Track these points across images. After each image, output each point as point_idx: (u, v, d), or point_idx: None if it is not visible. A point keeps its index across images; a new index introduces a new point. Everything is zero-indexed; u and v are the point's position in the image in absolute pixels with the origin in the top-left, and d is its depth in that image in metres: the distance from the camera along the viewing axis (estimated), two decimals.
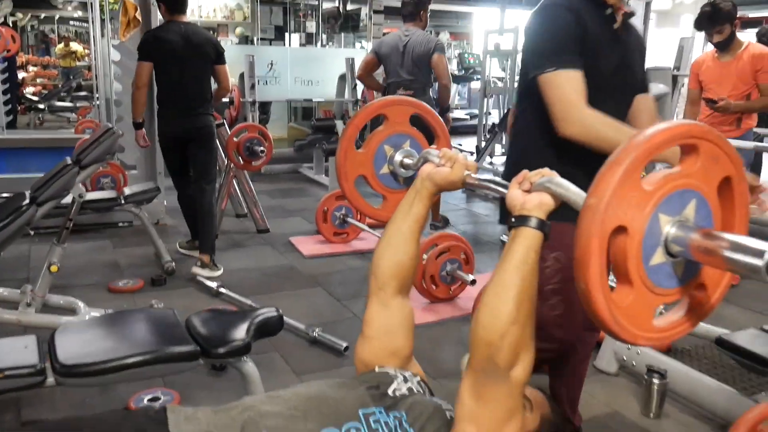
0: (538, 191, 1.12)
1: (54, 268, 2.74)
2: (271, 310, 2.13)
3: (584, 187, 0.93)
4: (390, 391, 1.28)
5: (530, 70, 1.67)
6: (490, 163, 8.14)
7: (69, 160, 2.71)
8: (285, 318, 3.07)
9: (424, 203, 1.38)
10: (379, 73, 4.73)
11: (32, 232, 2.78)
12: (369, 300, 1.44)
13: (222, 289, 3.51)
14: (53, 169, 2.70)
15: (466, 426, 1.10)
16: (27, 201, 2.58)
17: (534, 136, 1.73)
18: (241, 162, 4.48)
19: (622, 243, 0.83)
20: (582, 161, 1.45)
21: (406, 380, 1.33)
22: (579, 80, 1.58)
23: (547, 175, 1.12)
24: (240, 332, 1.96)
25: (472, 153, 8.50)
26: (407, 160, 1.63)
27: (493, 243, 4.72)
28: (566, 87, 1.57)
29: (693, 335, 2.64)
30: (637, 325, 0.87)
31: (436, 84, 4.61)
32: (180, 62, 3.67)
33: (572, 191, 1.05)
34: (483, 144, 7.11)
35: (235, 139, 4.43)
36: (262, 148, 4.36)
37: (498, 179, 1.27)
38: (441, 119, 1.76)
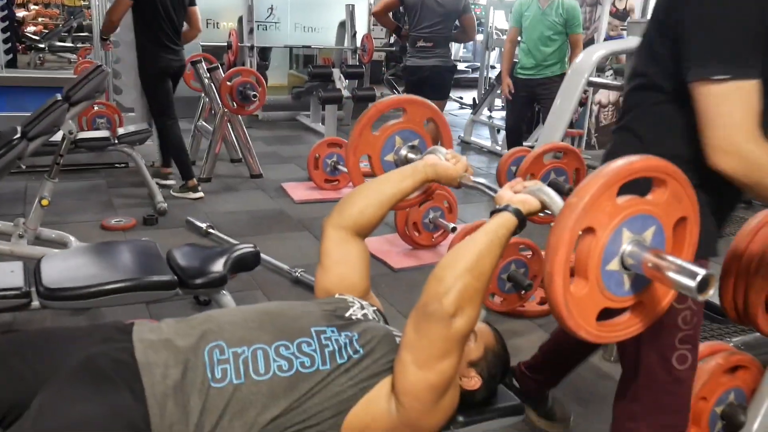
0: (526, 194, 1.25)
1: (45, 202, 2.84)
2: (248, 246, 2.23)
3: (710, 223, 1.11)
4: (346, 315, 1.38)
5: (686, 65, 1.20)
6: (489, 117, 8.15)
7: (59, 97, 2.77)
8: (270, 258, 3.23)
9: (415, 184, 1.49)
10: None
11: (24, 167, 2.86)
12: (326, 231, 1.53)
13: (211, 230, 3.62)
14: (43, 106, 2.77)
15: (404, 353, 1.19)
16: (18, 135, 2.66)
17: (659, 142, 1.31)
18: (234, 106, 4.53)
19: (588, 242, 0.95)
20: (717, 192, 1.27)
21: (362, 308, 1.44)
22: (755, 96, 1.14)
23: (538, 183, 1.26)
24: (217, 265, 2.07)
25: (470, 105, 8.51)
26: (411, 155, 1.75)
27: (479, 195, 4.79)
28: (737, 106, 1.14)
29: None
30: (582, 317, 0.98)
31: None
32: (165, 3, 4.00)
33: (555, 200, 1.20)
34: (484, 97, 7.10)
35: (228, 82, 4.47)
36: (254, 93, 4.40)
37: (489, 184, 1.41)
38: (449, 129, 1.86)
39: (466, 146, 6.55)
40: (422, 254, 3.50)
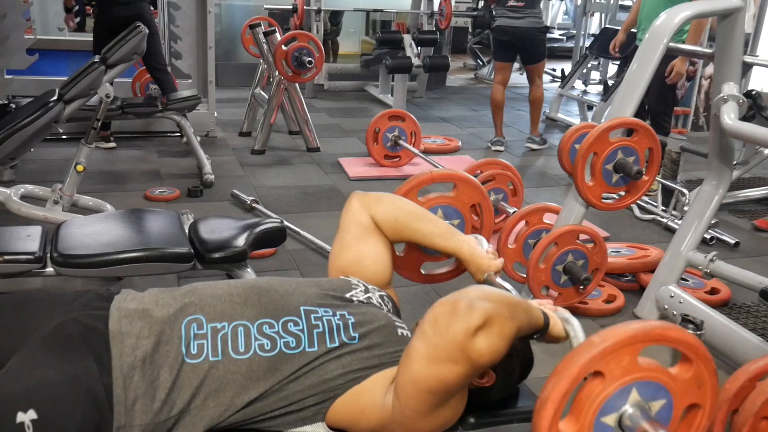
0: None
1: (80, 168, 3.00)
2: (275, 221, 2.27)
3: None
4: (346, 295, 1.38)
5: None
6: (584, 92, 7.89)
7: (97, 59, 2.91)
8: (312, 237, 3.27)
9: (447, 247, 1.53)
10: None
11: (61, 130, 3.02)
12: (352, 205, 1.56)
13: (256, 204, 3.71)
14: (80, 68, 2.91)
15: (417, 343, 1.11)
16: (54, 98, 2.81)
17: None
18: (290, 73, 4.60)
19: (594, 385, 0.98)
20: None
21: (366, 290, 1.43)
22: None
23: (567, 313, 1.28)
24: (239, 240, 2.12)
25: (559, 77, 8.26)
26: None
27: (556, 177, 4.66)
28: None
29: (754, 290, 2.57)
30: None
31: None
32: None
33: (579, 335, 1.25)
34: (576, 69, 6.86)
35: (284, 48, 4.53)
36: (310, 60, 4.44)
37: (515, 291, 1.42)
38: (493, 220, 1.89)
39: (552, 123, 6.37)
40: None
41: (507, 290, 1.41)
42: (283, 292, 1.32)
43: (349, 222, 1.55)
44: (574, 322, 1.26)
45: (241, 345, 1.21)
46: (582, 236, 2.53)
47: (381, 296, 1.46)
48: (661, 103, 4.24)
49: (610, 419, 0.99)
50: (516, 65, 5.98)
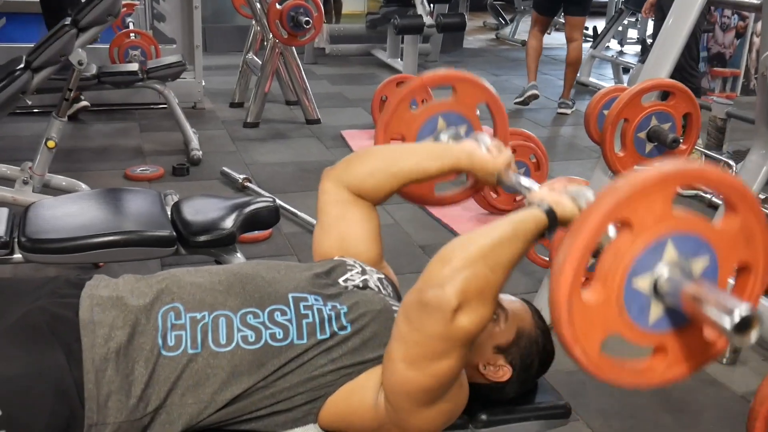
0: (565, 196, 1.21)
1: (51, 144, 3.02)
2: (267, 200, 2.28)
3: None
4: (341, 280, 1.39)
5: None
6: (620, 52, 7.83)
7: (68, 21, 2.91)
8: (310, 218, 3.28)
9: (442, 168, 1.46)
10: None
11: (29, 102, 3.04)
12: (324, 185, 1.54)
13: (248, 183, 3.73)
14: (50, 32, 2.92)
15: (395, 344, 1.16)
16: (22, 65, 2.82)
17: None
18: (285, 35, 4.59)
19: (621, 240, 0.90)
20: None
21: (364, 272, 1.44)
22: None
23: (584, 188, 1.22)
24: (227, 221, 2.13)
25: (590, 38, 8.18)
26: (453, 142, 1.70)
27: (586, 149, 4.64)
28: None
29: None
30: (584, 332, 0.91)
31: None
32: None
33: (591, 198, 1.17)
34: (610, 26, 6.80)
35: (277, 6, 4.52)
36: (308, 19, 4.43)
37: (529, 181, 1.36)
38: (506, 116, 1.81)
39: (582, 88, 6.33)
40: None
41: (525, 187, 1.34)
42: (270, 278, 1.33)
43: (326, 203, 1.53)
44: (588, 192, 1.20)
45: (222, 336, 1.22)
46: None
47: (380, 279, 1.46)
48: (684, 53, 4.22)
49: (644, 282, 0.92)
50: None
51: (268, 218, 2.24)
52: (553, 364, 1.49)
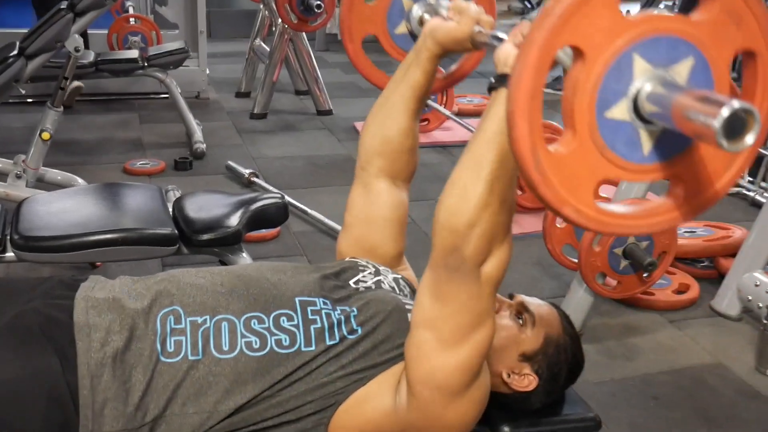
0: None
1: (46, 136, 3.04)
2: (275, 196, 2.29)
3: None
4: (352, 282, 1.39)
5: None
6: None
7: (64, 5, 2.93)
8: (322, 217, 3.29)
9: (424, 67, 1.41)
10: None
11: (23, 91, 3.06)
12: (354, 181, 1.56)
13: (255, 178, 3.74)
14: (45, 16, 2.93)
15: (422, 332, 1.18)
16: (15, 52, 2.84)
17: None
18: (295, 20, 4.59)
19: (575, 73, 0.84)
20: None
21: (377, 273, 1.44)
22: None
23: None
24: (232, 218, 2.14)
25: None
26: (427, 16, 1.60)
27: None
28: None
29: None
30: (567, 186, 0.85)
31: None
32: None
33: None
34: None
35: None
36: (319, 3, 4.42)
37: (501, 34, 1.25)
38: None
39: None
40: (524, 220, 3.44)
41: (499, 38, 1.23)
42: (276, 281, 1.33)
43: (350, 198, 1.55)
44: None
45: (225, 342, 1.23)
46: None
47: (395, 279, 1.46)
48: None
49: (619, 111, 0.85)
50: None
51: (276, 216, 2.25)
52: (581, 374, 1.48)
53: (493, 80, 1.15)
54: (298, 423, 1.24)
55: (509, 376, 1.37)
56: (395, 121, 1.47)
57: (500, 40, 1.22)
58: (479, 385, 1.23)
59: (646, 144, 0.89)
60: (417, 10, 1.60)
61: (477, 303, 1.15)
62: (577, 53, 0.83)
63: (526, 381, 1.37)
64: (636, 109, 0.86)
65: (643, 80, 0.85)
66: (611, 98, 0.84)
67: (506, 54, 1.14)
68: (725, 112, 0.72)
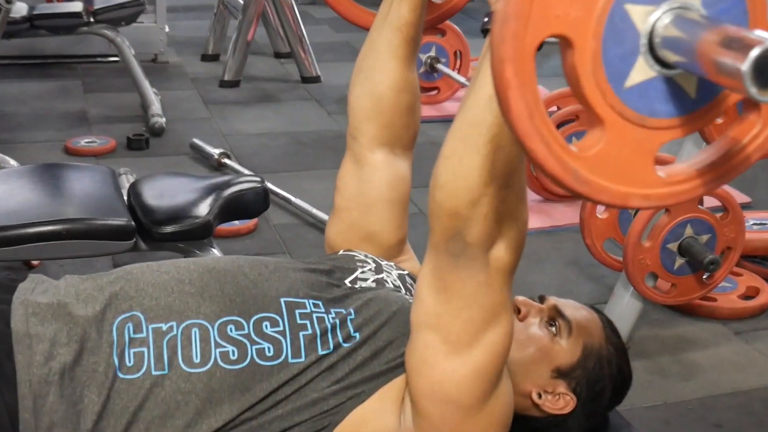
0: None
1: None
2: (252, 181, 2.29)
3: None
4: (348, 281, 1.40)
5: None
6: None
7: None
8: (306, 206, 3.29)
9: (409, 2, 1.44)
10: None
11: None
12: (345, 154, 1.58)
13: (226, 160, 3.74)
14: None
15: (425, 334, 1.20)
16: None
17: None
18: None
19: (570, 63, 0.86)
20: None
21: (379, 270, 1.46)
22: None
23: None
24: (200, 207, 2.14)
25: None
26: None
27: None
28: None
29: None
30: (623, 179, 0.89)
31: None
32: None
33: None
34: None
35: None
36: None
37: None
38: None
39: None
40: (556, 211, 3.46)
41: None
42: (256, 277, 1.34)
43: (340, 176, 1.58)
44: None
45: (195, 354, 1.24)
46: (707, 200, 2.51)
47: (401, 276, 1.48)
48: None
49: (640, 73, 0.87)
50: None
51: (253, 204, 2.26)
52: (628, 395, 1.49)
53: (486, 20, 1.16)
54: None
55: (541, 396, 1.37)
56: (385, 74, 1.49)
57: None
58: (499, 396, 1.24)
59: (690, 86, 0.90)
60: None
61: (487, 294, 1.16)
62: (564, 42, 0.85)
63: (561, 402, 1.38)
64: (658, 59, 0.87)
65: (647, 27, 0.86)
66: (622, 66, 0.87)
67: None
68: (755, 52, 0.73)
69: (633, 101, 0.88)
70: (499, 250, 1.14)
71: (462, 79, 4.45)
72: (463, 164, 1.09)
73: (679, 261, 2.51)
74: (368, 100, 1.50)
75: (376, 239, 1.52)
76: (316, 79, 5.04)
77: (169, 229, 2.09)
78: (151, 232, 2.09)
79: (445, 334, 1.18)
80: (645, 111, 0.89)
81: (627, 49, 0.87)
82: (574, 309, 1.43)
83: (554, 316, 1.40)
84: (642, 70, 0.88)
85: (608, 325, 1.47)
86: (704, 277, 2.53)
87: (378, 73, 1.48)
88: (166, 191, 2.22)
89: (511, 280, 1.19)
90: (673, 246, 2.49)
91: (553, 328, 1.39)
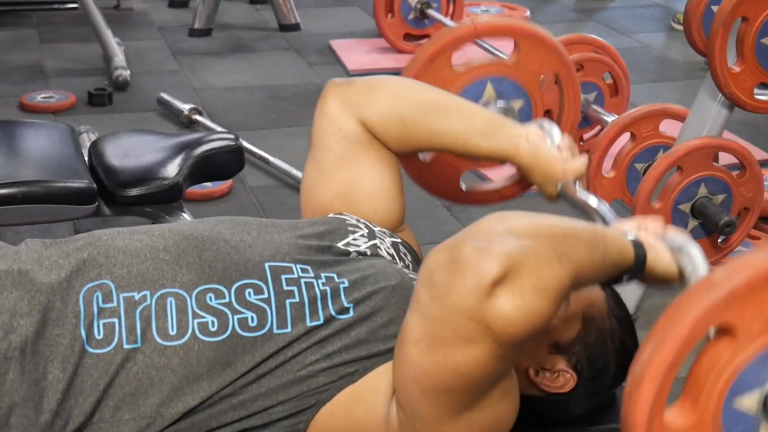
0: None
1: None
2: (226, 138, 2.29)
3: None
4: (340, 245, 1.41)
5: None
6: None
7: None
8: (286, 166, 3.28)
9: (492, 150, 1.54)
10: None
11: None
12: (328, 101, 1.61)
13: (197, 116, 3.72)
14: None
15: (411, 319, 1.16)
16: None
17: None
18: None
19: (718, 350, 0.96)
20: None
21: (372, 236, 1.46)
22: None
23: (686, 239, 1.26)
24: (168, 168, 2.14)
25: None
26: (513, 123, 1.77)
27: (684, 65, 4.62)
28: None
29: None
30: None
31: None
32: None
33: (700, 272, 1.22)
34: None
35: None
36: None
37: (605, 209, 1.47)
38: (579, 99, 1.90)
39: None
40: None
41: (597, 212, 1.45)
42: (238, 242, 1.34)
43: (326, 134, 1.58)
44: (693, 251, 1.25)
45: (171, 325, 1.24)
46: (723, 156, 2.52)
47: (394, 244, 1.48)
48: None
49: (750, 401, 0.98)
50: None
51: (227, 164, 2.25)
52: None
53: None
54: (265, 430, 1.26)
55: (538, 373, 1.39)
56: (420, 141, 1.59)
57: (602, 216, 1.45)
58: (486, 407, 1.22)
59: None
60: (494, 108, 1.80)
61: (463, 322, 1.07)
62: (727, 331, 0.94)
63: (561, 380, 1.39)
64: (765, 402, 0.98)
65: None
66: (745, 387, 0.97)
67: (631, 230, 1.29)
68: None
69: (727, 418, 0.97)
70: (505, 299, 1.05)
71: (454, 25, 4.43)
72: (539, 218, 1.15)
73: (692, 223, 2.52)
74: (392, 123, 1.56)
75: (374, 210, 1.55)
76: (295, 27, 5.01)
77: (134, 191, 2.09)
78: (114, 195, 2.08)
79: (423, 330, 1.13)
80: (725, 429, 0.98)
81: (759, 378, 0.98)
82: None
83: None
84: (750, 402, 0.98)
85: (612, 296, 1.48)
86: (719, 240, 2.55)
87: (416, 131, 1.57)
88: (130, 150, 2.21)
89: (506, 346, 1.11)
90: (686, 207, 2.50)
91: None
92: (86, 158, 2.20)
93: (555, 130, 1.58)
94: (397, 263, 1.43)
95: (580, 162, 1.53)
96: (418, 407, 1.18)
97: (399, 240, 1.51)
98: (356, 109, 1.55)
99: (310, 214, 1.57)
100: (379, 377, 1.26)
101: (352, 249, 1.40)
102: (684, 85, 4.40)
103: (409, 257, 1.49)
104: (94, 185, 2.07)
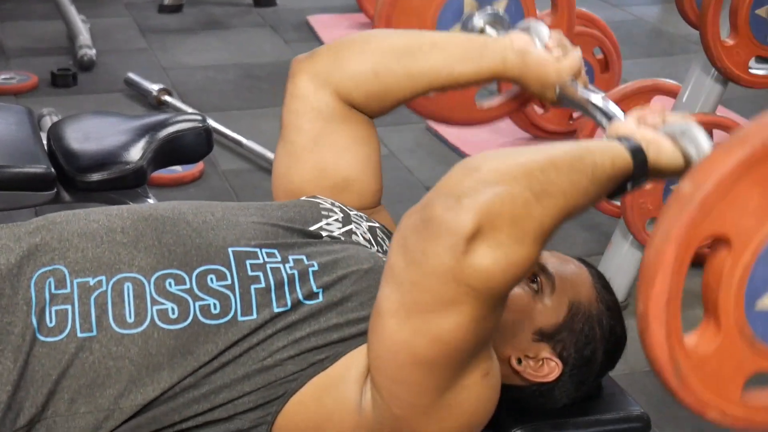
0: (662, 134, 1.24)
1: None
2: (193, 119, 2.28)
3: None
4: (311, 229, 1.40)
5: None
6: None
7: None
8: (260, 149, 3.29)
9: (479, 73, 1.49)
10: None
11: None
12: (297, 80, 1.59)
13: (167, 97, 3.73)
14: None
15: (385, 289, 1.16)
16: None
17: None
18: None
19: (718, 261, 0.95)
20: None
21: (347, 221, 1.46)
22: None
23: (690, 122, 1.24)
24: (132, 151, 2.13)
25: None
26: (491, 30, 1.74)
27: (681, 39, 4.62)
28: None
29: None
30: (713, 388, 0.97)
31: None
32: None
33: (701, 146, 1.23)
34: None
35: None
36: None
37: (605, 104, 1.44)
38: None
39: None
40: None
41: (601, 110, 1.45)
42: (199, 225, 1.34)
43: (298, 114, 1.57)
44: (695, 132, 1.25)
45: (128, 312, 1.23)
46: (717, 134, 2.53)
47: (372, 228, 1.48)
48: None
49: None
50: None
51: (194, 147, 2.23)
52: (625, 360, 1.51)
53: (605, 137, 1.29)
54: (230, 423, 1.25)
55: (521, 362, 1.38)
56: (404, 86, 1.53)
57: (606, 113, 1.44)
58: (465, 389, 1.22)
59: None
60: (477, 19, 1.75)
61: (443, 286, 1.08)
62: (722, 241, 0.94)
63: (545, 368, 1.38)
64: None
65: None
66: (761, 287, 0.97)
67: (629, 129, 1.27)
68: None
69: (755, 322, 0.98)
70: (482, 252, 1.05)
71: None
72: (515, 152, 1.16)
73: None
74: (366, 82, 1.53)
75: (351, 190, 1.54)
76: (270, 2, 5.02)
77: (95, 176, 2.07)
78: (74, 180, 2.07)
79: (400, 299, 1.13)
80: (759, 334, 0.99)
81: None
82: (558, 263, 1.43)
83: (535, 272, 1.39)
84: None
85: (599, 281, 1.47)
86: None
87: (394, 80, 1.53)
88: (92, 134, 2.20)
89: (489, 302, 1.12)
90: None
91: (535, 285, 1.39)
92: (45, 142, 2.19)
93: (542, 29, 1.54)
94: (373, 248, 1.42)
95: (573, 57, 1.49)
96: (395, 386, 1.17)
97: (377, 225, 1.50)
98: (327, 79, 1.53)
99: (282, 197, 1.57)
100: (350, 364, 1.25)
101: (324, 234, 1.40)
102: (680, 59, 4.41)
103: (387, 242, 1.48)
104: (53, 170, 2.06)
